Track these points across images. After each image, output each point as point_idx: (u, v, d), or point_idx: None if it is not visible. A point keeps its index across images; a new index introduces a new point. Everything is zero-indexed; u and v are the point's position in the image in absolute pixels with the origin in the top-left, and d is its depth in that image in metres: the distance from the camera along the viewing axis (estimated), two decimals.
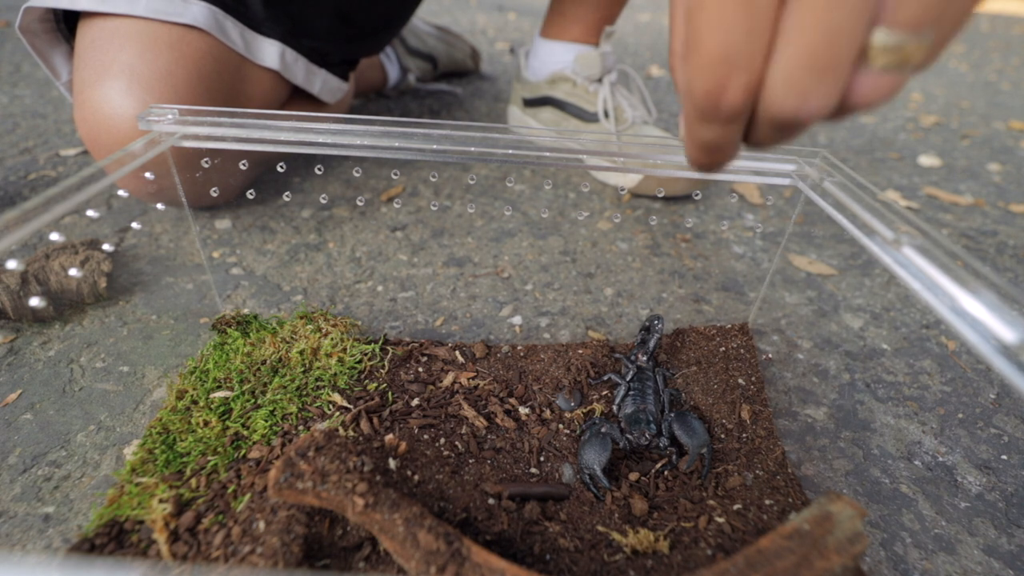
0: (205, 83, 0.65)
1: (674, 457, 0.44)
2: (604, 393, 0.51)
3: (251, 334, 0.53)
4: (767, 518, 0.39)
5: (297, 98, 0.82)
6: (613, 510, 0.40)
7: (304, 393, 0.47)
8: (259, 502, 0.37)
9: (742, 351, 0.54)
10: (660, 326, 0.52)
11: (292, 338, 0.53)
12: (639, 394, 0.47)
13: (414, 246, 0.74)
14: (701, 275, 0.71)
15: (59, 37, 0.68)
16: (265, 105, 0.74)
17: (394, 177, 0.90)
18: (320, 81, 0.80)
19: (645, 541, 0.37)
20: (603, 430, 0.44)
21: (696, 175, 0.48)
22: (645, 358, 0.51)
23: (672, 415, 0.46)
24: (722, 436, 0.46)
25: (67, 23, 0.68)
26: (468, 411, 0.47)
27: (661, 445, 0.44)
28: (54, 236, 0.43)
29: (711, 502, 0.40)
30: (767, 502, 0.40)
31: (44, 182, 0.81)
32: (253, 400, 0.46)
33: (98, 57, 0.61)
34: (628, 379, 0.49)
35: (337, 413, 0.45)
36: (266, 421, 0.44)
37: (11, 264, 0.35)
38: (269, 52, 0.72)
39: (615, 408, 0.48)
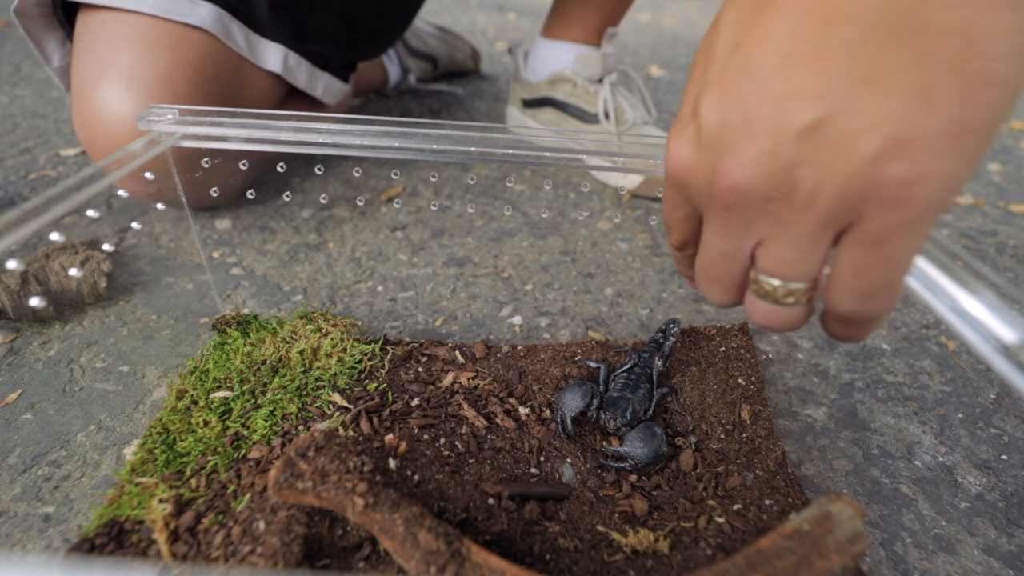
0: (205, 86, 0.65)
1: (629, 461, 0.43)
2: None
3: (251, 334, 0.53)
4: (767, 518, 0.39)
5: (296, 97, 0.82)
6: (613, 510, 0.40)
7: (304, 393, 0.47)
8: (259, 502, 0.37)
9: (742, 351, 0.54)
10: (676, 330, 0.53)
11: (292, 338, 0.53)
12: (630, 384, 0.47)
13: (414, 246, 0.74)
14: None
15: (55, 22, 0.67)
16: (263, 106, 0.74)
17: (394, 177, 0.90)
18: (323, 84, 0.80)
19: (645, 541, 0.37)
20: (586, 385, 0.46)
21: None
22: (661, 363, 0.50)
23: (640, 424, 0.44)
24: (722, 436, 0.46)
25: (64, 8, 0.67)
26: (468, 411, 0.47)
27: (621, 439, 0.45)
28: (54, 236, 0.43)
29: (711, 502, 0.40)
30: (767, 502, 0.40)
31: (44, 182, 0.81)
32: (253, 400, 0.46)
33: (97, 59, 0.61)
34: (628, 367, 0.50)
35: (337, 413, 0.45)
36: (266, 421, 0.44)
37: (11, 264, 0.35)
38: (272, 56, 0.72)
39: (602, 385, 0.49)
